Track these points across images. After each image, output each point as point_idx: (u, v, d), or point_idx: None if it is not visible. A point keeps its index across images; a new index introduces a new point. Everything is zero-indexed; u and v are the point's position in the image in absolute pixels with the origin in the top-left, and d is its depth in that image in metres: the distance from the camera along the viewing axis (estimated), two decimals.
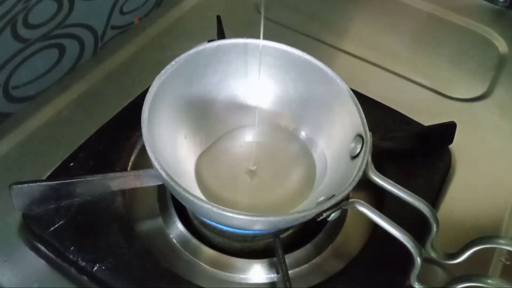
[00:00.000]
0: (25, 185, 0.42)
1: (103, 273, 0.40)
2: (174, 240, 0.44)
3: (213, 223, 0.43)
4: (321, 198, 0.41)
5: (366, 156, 0.39)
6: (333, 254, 0.44)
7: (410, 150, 0.51)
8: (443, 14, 0.69)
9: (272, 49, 0.45)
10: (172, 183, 0.36)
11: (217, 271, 0.42)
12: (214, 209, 0.35)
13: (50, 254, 0.42)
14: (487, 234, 0.40)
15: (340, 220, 0.46)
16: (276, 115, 0.48)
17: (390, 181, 0.39)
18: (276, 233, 0.43)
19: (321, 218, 0.37)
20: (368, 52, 0.61)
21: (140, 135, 0.38)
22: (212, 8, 0.66)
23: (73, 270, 0.41)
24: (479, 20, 0.68)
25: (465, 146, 0.52)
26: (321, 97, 0.45)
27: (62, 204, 0.43)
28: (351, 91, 0.43)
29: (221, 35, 0.55)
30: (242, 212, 0.35)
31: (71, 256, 0.41)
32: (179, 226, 0.45)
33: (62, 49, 0.54)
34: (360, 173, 0.38)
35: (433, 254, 0.42)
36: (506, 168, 0.52)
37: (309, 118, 0.47)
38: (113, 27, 0.60)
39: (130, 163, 0.48)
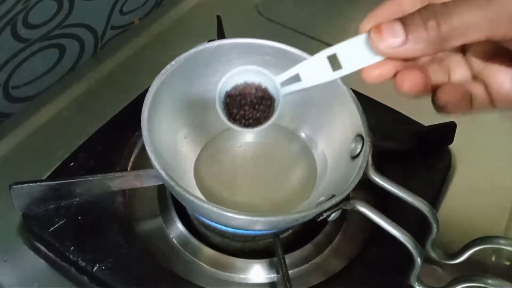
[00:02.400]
0: (25, 185, 0.42)
1: (103, 273, 0.40)
2: (174, 240, 0.44)
3: (213, 223, 0.43)
4: (321, 198, 0.41)
5: (366, 156, 0.39)
6: (333, 254, 0.44)
7: (410, 150, 0.51)
8: None
9: (272, 49, 0.45)
10: (172, 183, 0.36)
11: (217, 271, 0.42)
12: (214, 209, 0.35)
13: (50, 254, 0.42)
14: (487, 234, 0.40)
15: (340, 220, 0.46)
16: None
17: (390, 181, 0.39)
18: (276, 233, 0.43)
19: (321, 218, 0.37)
20: None
21: (140, 135, 0.38)
22: (212, 8, 0.66)
23: (73, 270, 0.41)
24: None
25: (465, 146, 0.52)
26: (321, 97, 0.45)
27: (62, 204, 0.43)
28: (351, 91, 0.42)
29: (221, 35, 0.55)
30: (242, 212, 0.35)
31: (71, 256, 0.41)
32: (179, 226, 0.45)
33: (62, 49, 0.54)
34: (361, 173, 0.38)
35: (433, 254, 0.42)
36: (506, 168, 0.52)
37: (309, 118, 0.47)
38: (113, 27, 0.60)
39: (130, 163, 0.48)
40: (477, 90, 0.33)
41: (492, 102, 0.33)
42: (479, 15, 0.28)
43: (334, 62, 0.35)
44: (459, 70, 0.34)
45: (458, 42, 0.29)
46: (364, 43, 0.33)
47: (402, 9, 0.32)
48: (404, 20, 0.30)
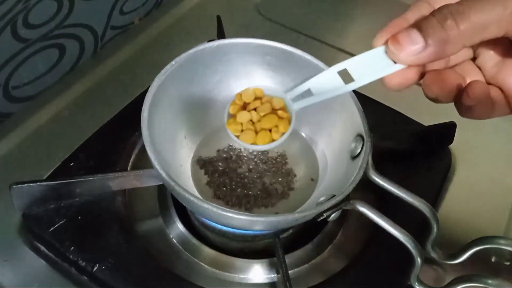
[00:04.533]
0: (25, 185, 0.42)
1: (103, 273, 0.40)
2: (174, 240, 0.44)
3: (213, 223, 0.43)
4: (322, 198, 0.41)
5: (366, 156, 0.39)
6: (333, 254, 0.44)
7: (410, 150, 0.51)
8: None
9: (272, 49, 0.45)
10: (172, 183, 0.36)
11: (217, 271, 0.42)
12: (214, 209, 0.35)
13: (50, 254, 0.42)
14: (487, 234, 0.40)
15: (340, 220, 0.46)
16: None
17: (390, 181, 0.39)
18: (276, 233, 0.43)
19: (321, 218, 0.37)
20: None
21: (140, 135, 0.38)
22: (212, 8, 0.66)
23: (73, 270, 0.41)
24: None
25: (465, 146, 0.52)
26: None
27: (62, 204, 0.43)
28: (351, 91, 0.42)
29: (221, 35, 0.55)
30: (242, 212, 0.35)
31: (71, 256, 0.41)
32: (179, 226, 0.45)
33: (62, 49, 0.54)
34: (361, 173, 0.38)
35: (433, 254, 0.42)
36: (506, 168, 0.52)
37: (309, 118, 0.47)
38: (113, 27, 0.60)
39: (130, 163, 0.48)
40: (495, 93, 0.33)
41: (510, 106, 0.32)
42: (497, 11, 0.28)
43: (345, 76, 0.34)
44: (473, 76, 0.34)
45: (478, 39, 0.29)
46: (378, 56, 0.32)
47: (410, 22, 0.32)
48: (420, 25, 0.30)
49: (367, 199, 0.39)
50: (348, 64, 0.34)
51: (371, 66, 0.33)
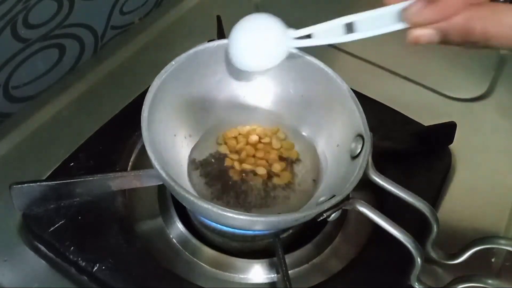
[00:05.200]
0: (25, 185, 0.42)
1: (103, 273, 0.40)
2: (174, 240, 0.44)
3: (213, 224, 0.43)
4: (322, 198, 0.41)
5: (366, 156, 0.39)
6: (333, 254, 0.44)
7: (410, 150, 0.51)
8: None
9: None
10: (172, 183, 0.36)
11: (217, 271, 0.42)
12: (214, 209, 0.35)
13: (50, 254, 0.42)
14: (487, 234, 0.40)
15: (340, 220, 0.46)
16: (276, 115, 0.48)
17: (390, 181, 0.39)
18: (276, 233, 0.43)
19: (321, 218, 0.37)
20: (368, 52, 0.61)
21: (140, 135, 0.38)
22: (212, 8, 0.66)
23: (73, 270, 0.41)
24: None
25: (465, 146, 0.52)
26: (321, 97, 0.45)
27: (62, 204, 0.43)
28: (351, 91, 0.42)
29: (221, 35, 0.55)
30: (242, 212, 0.35)
31: (71, 256, 0.41)
32: (179, 226, 0.45)
33: (62, 49, 0.54)
34: (361, 173, 0.38)
35: (433, 254, 0.42)
36: (506, 168, 0.52)
37: (309, 118, 0.47)
38: (113, 27, 0.60)
39: (130, 163, 0.48)
40: None
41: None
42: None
43: (348, 28, 0.38)
44: None
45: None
46: (385, 15, 0.36)
47: None
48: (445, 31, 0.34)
49: (367, 199, 0.39)
50: (356, 18, 0.37)
51: (376, 23, 0.36)
